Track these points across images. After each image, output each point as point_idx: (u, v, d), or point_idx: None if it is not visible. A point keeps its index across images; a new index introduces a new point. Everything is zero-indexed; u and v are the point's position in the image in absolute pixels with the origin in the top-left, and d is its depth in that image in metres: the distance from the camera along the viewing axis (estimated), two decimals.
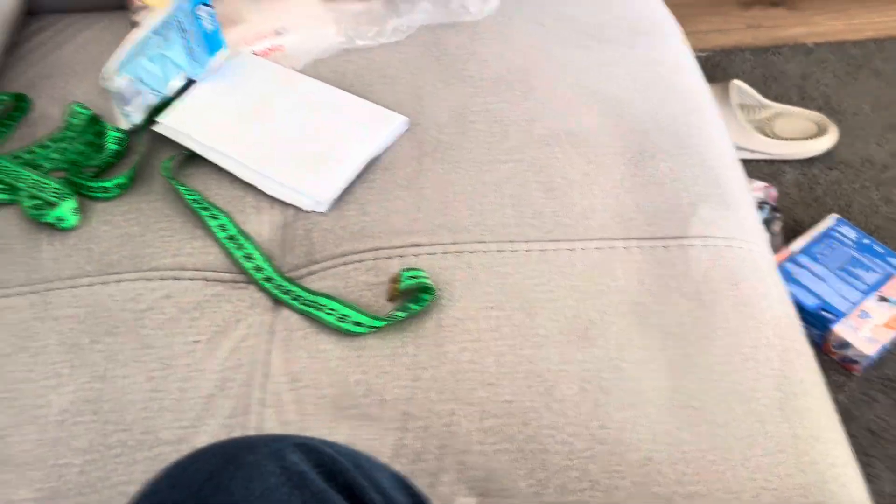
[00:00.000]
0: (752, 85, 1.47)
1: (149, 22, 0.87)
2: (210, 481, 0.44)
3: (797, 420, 0.65)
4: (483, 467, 0.62)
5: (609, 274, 0.73)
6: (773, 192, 1.33)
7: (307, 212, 0.78)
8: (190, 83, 0.88)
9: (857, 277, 1.21)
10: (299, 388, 0.67)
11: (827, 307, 1.18)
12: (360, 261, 0.75)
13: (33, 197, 0.80)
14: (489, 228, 0.75)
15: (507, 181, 0.79)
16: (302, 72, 0.90)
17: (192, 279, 0.74)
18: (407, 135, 0.83)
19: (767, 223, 1.26)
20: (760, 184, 1.32)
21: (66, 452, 0.64)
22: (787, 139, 1.41)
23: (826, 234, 1.26)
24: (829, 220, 1.28)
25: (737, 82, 1.44)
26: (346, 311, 0.70)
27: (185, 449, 0.63)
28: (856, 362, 1.16)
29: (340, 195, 0.79)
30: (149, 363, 0.68)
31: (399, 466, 0.60)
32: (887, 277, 1.21)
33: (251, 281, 0.74)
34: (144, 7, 0.96)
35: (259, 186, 0.80)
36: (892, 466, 1.06)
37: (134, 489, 0.61)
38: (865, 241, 1.25)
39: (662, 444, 0.63)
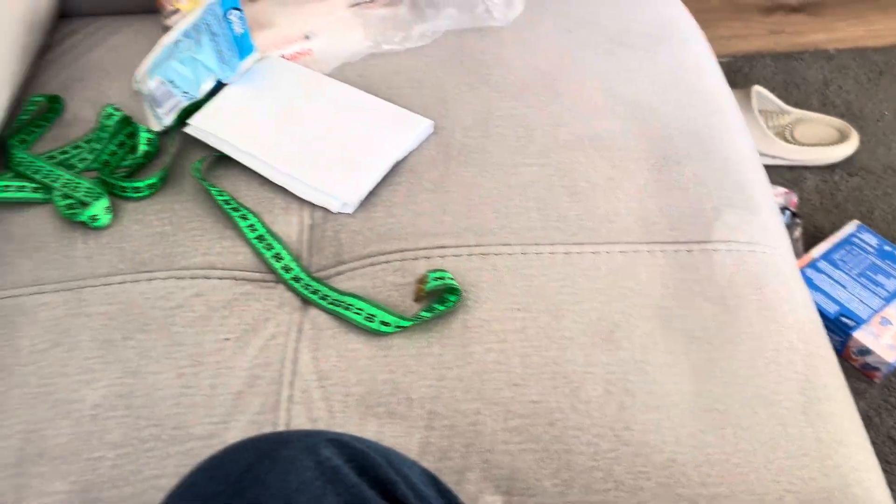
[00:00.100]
0: (774, 91, 1.47)
1: (180, 25, 0.89)
2: (247, 474, 0.45)
3: (821, 424, 0.66)
4: (508, 466, 0.63)
5: (633, 277, 0.73)
6: (794, 198, 1.33)
7: (335, 213, 0.80)
8: (220, 86, 0.89)
9: (878, 284, 1.21)
10: (327, 385, 0.68)
11: (848, 314, 1.18)
12: (386, 262, 0.76)
13: (67, 196, 0.81)
14: (514, 231, 0.76)
15: (531, 185, 0.80)
16: (330, 76, 0.91)
17: (221, 278, 0.76)
18: (432, 138, 0.85)
19: (788, 229, 1.25)
20: (781, 190, 1.32)
21: (100, 446, 0.65)
22: (808, 145, 1.41)
23: (847, 241, 1.26)
24: (850, 227, 1.28)
25: (758, 88, 1.44)
26: (374, 310, 0.71)
27: (216, 444, 0.64)
28: (877, 369, 1.16)
29: (367, 197, 0.80)
30: (180, 360, 0.70)
31: (425, 464, 0.61)
32: None
33: (280, 280, 0.75)
34: (175, 11, 0.98)
35: (287, 188, 0.81)
36: None
37: (166, 483, 0.62)
38: (887, 247, 1.25)
39: (686, 446, 0.64)
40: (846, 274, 1.22)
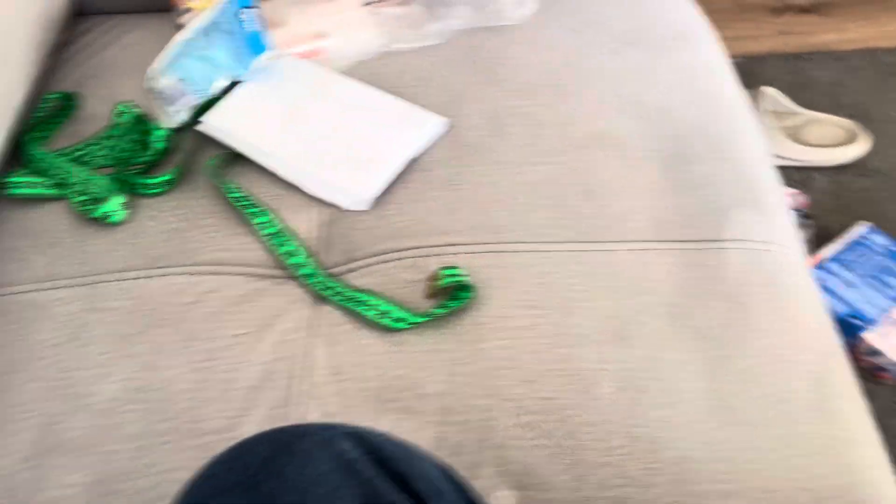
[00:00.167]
0: (783, 91, 1.47)
1: (193, 24, 0.89)
2: (265, 466, 0.46)
3: (833, 422, 0.66)
4: (521, 462, 0.63)
5: (645, 275, 0.74)
6: (803, 199, 1.33)
7: (348, 211, 0.80)
8: (234, 84, 0.90)
9: (887, 285, 1.21)
10: (341, 380, 0.68)
11: (857, 314, 1.18)
12: (399, 259, 0.76)
13: (82, 193, 0.82)
14: (526, 229, 0.77)
15: (543, 183, 0.80)
16: (342, 74, 0.91)
17: (235, 274, 0.76)
18: (444, 136, 0.85)
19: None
20: (790, 190, 1.32)
21: (116, 439, 0.66)
22: (817, 146, 1.41)
23: (856, 242, 1.26)
24: (860, 228, 1.28)
25: (767, 89, 1.44)
26: (387, 307, 0.72)
27: (231, 438, 0.64)
28: (886, 370, 1.16)
29: (380, 195, 0.80)
30: (194, 355, 0.70)
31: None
32: None
33: (293, 277, 0.76)
34: (189, 9, 0.98)
35: (301, 185, 0.82)
36: None
37: (181, 475, 0.62)
38: None
39: (698, 442, 0.64)
40: (855, 275, 1.22)
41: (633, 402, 0.65)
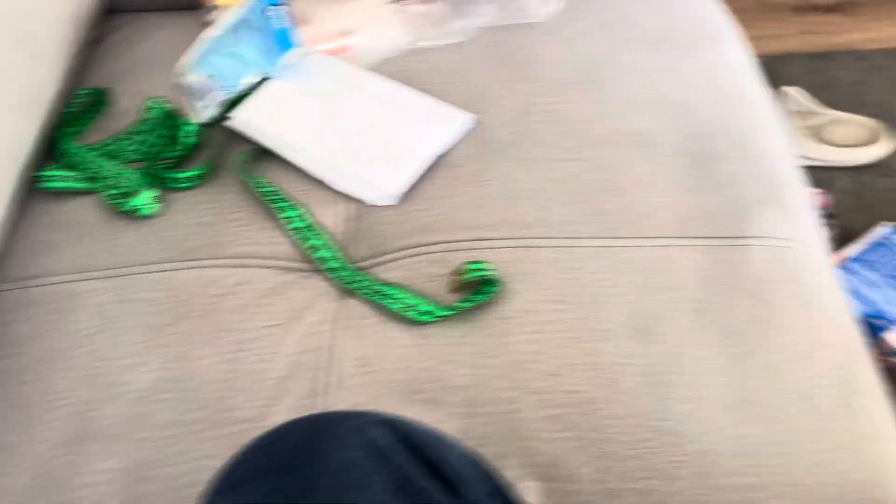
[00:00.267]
0: (806, 91, 1.46)
1: (222, 21, 0.91)
2: (301, 451, 0.47)
3: (857, 418, 0.66)
4: (546, 453, 0.64)
5: (669, 271, 0.74)
6: (826, 198, 1.33)
7: (375, 206, 0.81)
8: (262, 80, 0.91)
9: None
10: (368, 372, 0.69)
11: (879, 315, 1.18)
12: (426, 253, 0.77)
13: (114, 187, 0.84)
14: (552, 224, 0.77)
15: (569, 179, 0.81)
16: (370, 71, 0.92)
17: (264, 267, 0.77)
18: (471, 133, 0.86)
19: None
20: (813, 190, 1.32)
21: (148, 427, 0.67)
22: (840, 146, 1.41)
23: (879, 243, 1.26)
24: (882, 228, 1.27)
25: (790, 88, 1.44)
26: (414, 300, 0.73)
27: (261, 427, 0.65)
28: None
29: (407, 190, 0.81)
30: (224, 346, 0.71)
31: None
32: None
33: (320, 270, 0.77)
34: (217, 7, 1.00)
35: (328, 181, 0.83)
36: None
37: (212, 463, 0.64)
38: None
39: (722, 436, 0.64)
40: (878, 275, 1.22)
41: (657, 397, 0.66)
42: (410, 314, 0.72)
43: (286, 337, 0.72)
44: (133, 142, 0.89)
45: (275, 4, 0.90)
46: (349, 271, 0.76)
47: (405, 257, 0.77)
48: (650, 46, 0.94)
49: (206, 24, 0.97)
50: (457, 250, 0.76)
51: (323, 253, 0.78)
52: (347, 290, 0.75)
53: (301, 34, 0.93)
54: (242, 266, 0.77)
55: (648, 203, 0.79)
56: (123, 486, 0.65)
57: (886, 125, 1.43)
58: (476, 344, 0.70)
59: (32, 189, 0.86)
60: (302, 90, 0.90)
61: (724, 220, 0.78)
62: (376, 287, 0.74)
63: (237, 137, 0.87)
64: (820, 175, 1.39)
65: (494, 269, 0.73)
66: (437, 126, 0.85)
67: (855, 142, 1.41)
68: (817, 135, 1.42)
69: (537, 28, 0.96)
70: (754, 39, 1.03)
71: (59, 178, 0.85)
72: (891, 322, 1.16)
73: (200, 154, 0.87)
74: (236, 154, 0.85)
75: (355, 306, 0.74)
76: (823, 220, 1.27)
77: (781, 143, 0.89)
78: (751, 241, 0.77)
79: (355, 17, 0.97)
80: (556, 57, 0.92)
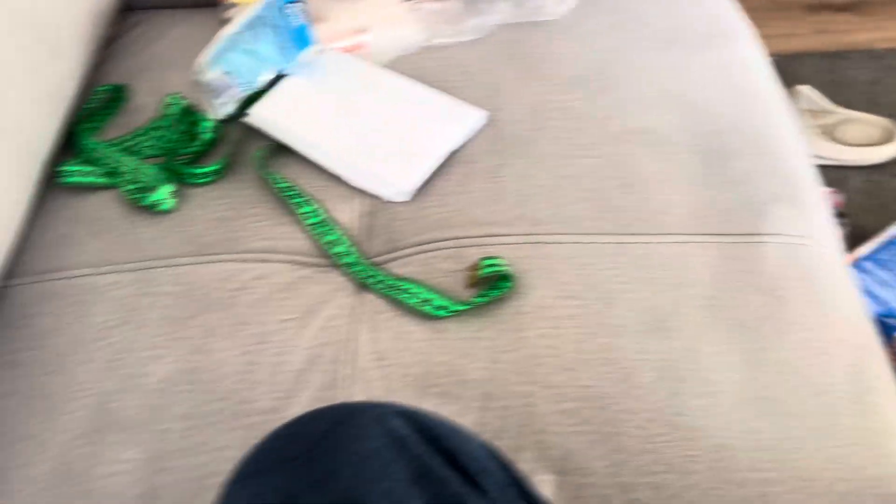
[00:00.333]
0: (819, 90, 1.46)
1: (240, 18, 0.91)
2: (322, 441, 0.48)
3: (871, 414, 0.67)
4: (561, 447, 0.65)
5: (684, 268, 0.74)
6: (838, 197, 1.33)
7: (390, 201, 0.82)
8: (279, 77, 0.92)
9: None
10: (385, 366, 0.70)
11: (891, 314, 1.18)
12: (440, 249, 0.78)
13: (133, 182, 0.85)
14: (566, 221, 0.78)
15: (584, 176, 0.81)
16: (385, 68, 0.93)
17: (281, 262, 0.78)
18: (485, 129, 0.86)
19: None
20: (825, 189, 1.32)
21: (168, 418, 0.68)
22: (853, 145, 1.41)
23: (892, 242, 1.26)
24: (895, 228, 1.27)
25: (803, 87, 1.44)
26: (429, 294, 0.73)
27: (279, 419, 0.66)
28: None
29: (421, 186, 0.82)
30: (243, 339, 0.72)
31: None
32: None
33: (337, 265, 0.78)
34: (234, 5, 1.01)
35: (344, 177, 0.84)
36: None
37: (232, 454, 0.65)
38: None
39: (737, 432, 0.65)
40: (890, 274, 1.22)
41: (672, 392, 0.67)
42: (426, 309, 0.73)
43: (304, 330, 0.73)
44: (151, 137, 0.90)
45: (292, 2, 0.91)
46: (364, 266, 0.77)
47: (420, 253, 0.78)
48: (664, 44, 0.94)
49: (223, 22, 0.98)
50: (471, 246, 0.77)
51: (338, 248, 0.79)
52: (363, 284, 0.76)
53: (316, 32, 0.94)
54: (260, 261, 0.78)
55: (662, 200, 0.79)
56: (143, 475, 0.65)
57: None
58: (491, 338, 0.71)
59: (53, 184, 0.87)
60: (318, 87, 0.91)
61: (739, 217, 0.78)
62: (391, 282, 0.75)
63: (254, 134, 0.88)
64: (833, 174, 1.39)
65: (508, 265, 0.74)
66: (452, 123, 0.86)
67: (868, 141, 1.41)
68: (830, 134, 1.42)
69: (551, 26, 0.96)
70: (767, 38, 1.04)
71: (79, 173, 0.87)
72: None
73: (218, 150, 0.88)
74: (253, 150, 0.86)
75: (372, 301, 0.75)
76: (836, 220, 1.27)
77: (795, 141, 0.89)
78: (765, 239, 0.77)
79: (370, 14, 0.97)
80: (571, 55, 0.93)
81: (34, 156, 0.85)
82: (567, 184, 0.81)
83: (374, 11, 0.99)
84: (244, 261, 0.78)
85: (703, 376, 0.68)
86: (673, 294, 0.73)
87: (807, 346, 0.70)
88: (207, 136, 0.88)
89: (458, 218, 0.80)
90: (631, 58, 0.93)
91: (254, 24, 0.91)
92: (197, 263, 0.78)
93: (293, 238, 0.80)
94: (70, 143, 0.90)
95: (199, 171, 0.85)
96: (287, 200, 0.82)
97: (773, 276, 0.74)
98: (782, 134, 0.88)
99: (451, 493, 0.47)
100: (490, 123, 0.87)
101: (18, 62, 0.83)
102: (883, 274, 1.22)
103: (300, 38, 0.93)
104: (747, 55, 0.96)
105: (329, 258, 0.79)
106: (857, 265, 1.23)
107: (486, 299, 0.72)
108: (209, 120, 0.89)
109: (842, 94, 1.50)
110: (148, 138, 0.90)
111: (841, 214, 1.29)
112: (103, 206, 0.84)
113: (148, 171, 0.85)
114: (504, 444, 0.65)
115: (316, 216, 0.81)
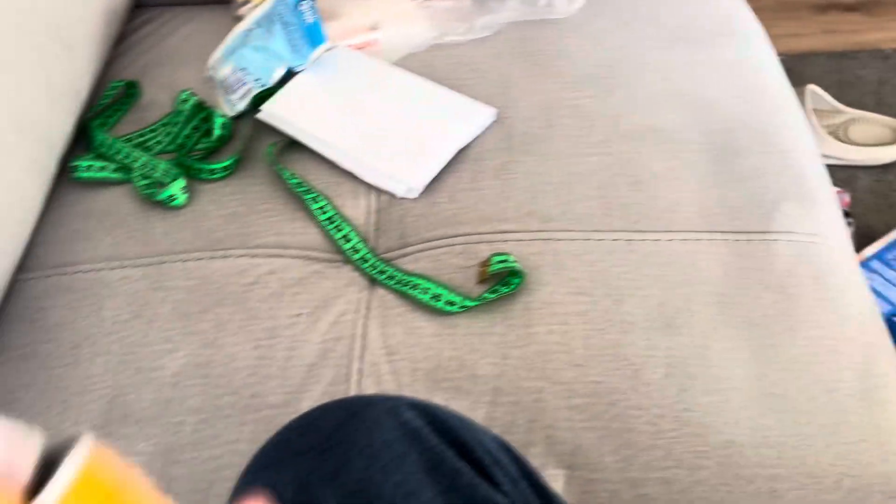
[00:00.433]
0: (827, 90, 1.46)
1: (252, 15, 0.92)
2: (336, 432, 0.48)
3: (879, 411, 0.67)
4: (570, 442, 0.65)
5: (693, 265, 0.75)
6: (846, 197, 1.33)
7: (400, 198, 0.82)
8: (291, 74, 0.92)
9: None
10: (395, 360, 0.71)
11: None
12: (450, 245, 0.78)
13: (145, 177, 0.85)
14: (576, 218, 0.78)
15: (593, 173, 0.82)
16: (395, 65, 0.94)
17: (293, 257, 0.79)
18: (495, 127, 0.87)
19: None
20: (833, 189, 1.32)
21: (180, 411, 0.69)
22: (861, 145, 1.40)
23: None
24: None
25: (811, 87, 1.43)
26: (439, 290, 0.74)
27: (291, 412, 0.67)
28: None
29: (431, 183, 0.83)
30: (255, 333, 0.73)
31: None
32: None
33: (348, 261, 0.78)
34: (246, 2, 1.01)
35: (355, 173, 0.84)
36: None
37: (244, 447, 0.65)
38: None
39: (746, 428, 0.65)
40: None
41: (681, 388, 0.67)
42: (437, 304, 0.73)
43: (315, 325, 0.73)
44: (164, 133, 0.91)
45: None
46: (375, 262, 0.78)
47: (430, 249, 0.78)
48: (674, 43, 0.94)
49: (237, 19, 0.99)
50: (481, 242, 0.77)
51: (350, 244, 0.79)
52: (374, 280, 0.77)
53: (328, 29, 0.95)
54: (272, 256, 0.79)
55: (672, 197, 0.79)
56: (156, 468, 0.66)
57: None
58: (501, 334, 0.71)
59: (66, 179, 0.87)
60: (330, 84, 0.92)
61: (748, 215, 0.79)
62: (402, 277, 0.76)
63: (266, 130, 0.88)
64: (841, 174, 1.39)
65: (519, 262, 0.74)
66: (462, 120, 0.87)
67: (876, 141, 1.41)
68: (838, 134, 1.42)
69: (561, 24, 0.96)
70: (775, 38, 1.04)
71: (92, 168, 0.87)
72: None
73: (230, 146, 0.89)
74: (265, 146, 0.87)
75: (383, 296, 0.75)
76: (844, 220, 1.27)
77: (805, 140, 0.89)
78: (775, 236, 0.77)
79: (382, 12, 0.98)
80: (581, 53, 0.93)
81: (49, 151, 0.86)
82: (577, 181, 0.81)
83: (386, 9, 1.00)
84: (256, 256, 0.79)
85: (712, 373, 0.68)
86: (682, 291, 0.73)
87: (816, 344, 0.70)
88: (219, 131, 0.89)
89: (469, 214, 0.80)
90: (641, 56, 0.93)
91: (266, 21, 0.91)
92: (209, 258, 0.79)
93: (305, 233, 0.81)
94: (83, 139, 0.91)
95: (211, 166, 0.86)
96: (299, 196, 0.82)
97: (783, 274, 0.74)
98: (792, 132, 0.89)
99: (464, 484, 0.48)
100: (500, 121, 0.87)
101: (34, 60, 0.84)
102: (891, 273, 1.22)
103: (312, 36, 0.93)
104: (756, 53, 0.96)
105: (340, 254, 0.79)
106: (865, 265, 1.23)
107: (495, 295, 0.73)
108: (221, 116, 0.90)
109: (849, 94, 1.50)
110: (160, 134, 0.91)
111: (848, 214, 1.29)
112: (116, 202, 0.85)
113: (160, 166, 0.86)
114: (514, 440, 0.65)
115: (327, 212, 0.81)
